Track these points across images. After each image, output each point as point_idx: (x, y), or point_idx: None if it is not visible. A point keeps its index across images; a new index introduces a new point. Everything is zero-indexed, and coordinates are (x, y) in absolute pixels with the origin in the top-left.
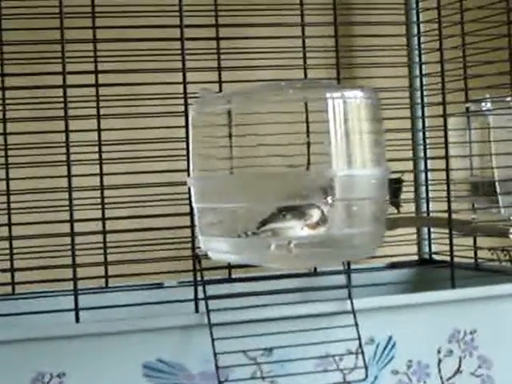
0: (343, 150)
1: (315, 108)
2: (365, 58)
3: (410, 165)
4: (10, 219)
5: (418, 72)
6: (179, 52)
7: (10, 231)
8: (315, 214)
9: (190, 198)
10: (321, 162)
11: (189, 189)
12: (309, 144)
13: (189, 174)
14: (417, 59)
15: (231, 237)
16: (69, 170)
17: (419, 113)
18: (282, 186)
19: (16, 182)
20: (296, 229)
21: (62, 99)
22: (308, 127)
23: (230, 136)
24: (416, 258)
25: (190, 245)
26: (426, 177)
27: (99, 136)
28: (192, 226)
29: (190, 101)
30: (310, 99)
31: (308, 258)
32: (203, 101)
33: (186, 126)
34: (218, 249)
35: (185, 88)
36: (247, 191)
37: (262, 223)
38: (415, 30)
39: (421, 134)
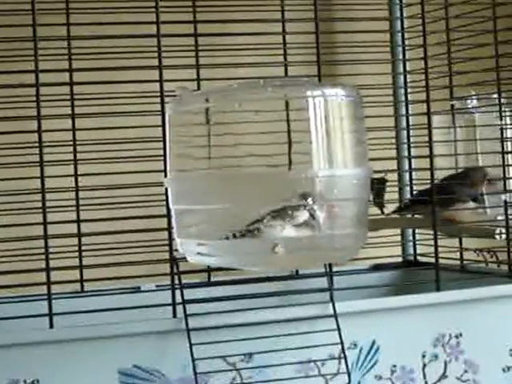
0: (324, 149)
1: (296, 106)
2: (347, 54)
3: (393, 164)
4: None
5: (401, 69)
6: (156, 49)
7: None
8: (302, 216)
9: (166, 200)
10: (301, 161)
11: (166, 190)
12: (289, 143)
13: (166, 175)
14: (400, 56)
15: (211, 239)
16: (42, 171)
17: (403, 111)
18: (263, 187)
19: None
20: (284, 230)
21: (34, 98)
22: (288, 126)
23: (209, 135)
24: (400, 259)
25: (167, 247)
26: (411, 176)
27: (74, 136)
28: (169, 228)
29: (166, 99)
30: (290, 97)
31: (290, 260)
32: (180, 99)
33: (163, 126)
34: (196, 251)
35: (161, 86)
36: (227, 192)
37: (249, 225)
38: (398, 26)
39: (405, 133)
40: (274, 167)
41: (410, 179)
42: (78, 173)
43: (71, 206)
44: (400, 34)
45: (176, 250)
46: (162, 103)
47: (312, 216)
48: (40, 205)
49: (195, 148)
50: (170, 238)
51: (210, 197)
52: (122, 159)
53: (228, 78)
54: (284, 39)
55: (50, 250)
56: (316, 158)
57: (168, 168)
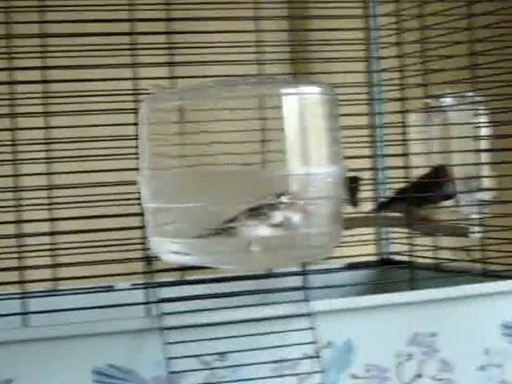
0: (299, 147)
1: (270, 104)
2: (321, 52)
3: (368, 163)
4: None
5: (376, 67)
6: (130, 47)
7: None
8: (278, 215)
9: (140, 198)
10: (277, 159)
11: (140, 188)
12: (264, 142)
13: (139, 173)
14: (375, 54)
15: (186, 237)
16: (15, 169)
17: (378, 109)
18: (238, 185)
19: None
20: (259, 229)
21: (7, 96)
22: (263, 124)
23: (183, 133)
24: (374, 258)
25: (141, 246)
26: (385, 175)
27: (47, 134)
28: (143, 227)
29: (140, 97)
30: (265, 95)
31: (265, 259)
32: (154, 97)
33: (137, 124)
34: (170, 250)
35: (135, 84)
36: (201, 190)
37: (224, 223)
38: (374, 24)
39: (379, 131)
40: (248, 165)
41: (385, 178)
42: (52, 171)
43: (45, 204)
44: (374, 32)
45: (150, 249)
46: (136, 101)
47: (287, 215)
48: (13, 203)
49: (169, 146)
50: (144, 237)
51: (184, 195)
52: (96, 157)
53: (202, 76)
54: (258, 37)
55: (24, 248)
56: (291, 156)
57: (142, 166)
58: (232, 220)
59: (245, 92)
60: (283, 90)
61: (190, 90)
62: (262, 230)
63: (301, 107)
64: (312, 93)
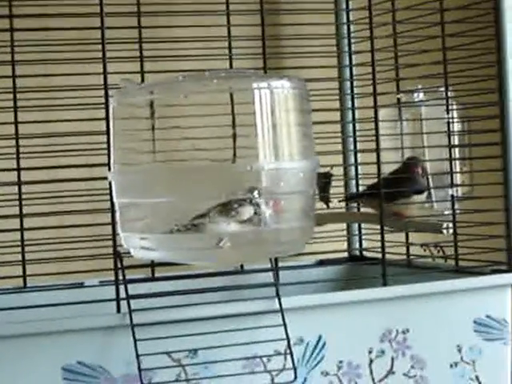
0: (270, 142)
1: (241, 99)
2: (292, 47)
3: (339, 158)
4: None
5: (347, 62)
6: (99, 41)
7: None
8: (248, 211)
9: (110, 194)
10: (248, 154)
11: (110, 184)
12: (234, 136)
13: (110, 169)
14: (346, 48)
15: (156, 233)
16: None
17: (349, 104)
18: (208, 180)
19: None
20: (228, 225)
21: None
22: (233, 119)
23: (153, 128)
24: (346, 254)
25: (111, 242)
26: (356, 171)
27: (16, 129)
28: (113, 223)
29: (110, 92)
30: (235, 90)
31: (235, 255)
32: (124, 92)
33: (107, 119)
34: (140, 246)
35: (105, 78)
36: (172, 186)
37: (194, 219)
38: (344, 18)
39: (351, 126)
40: (219, 160)
41: (356, 173)
42: (21, 166)
43: (14, 200)
44: (346, 27)
45: (120, 245)
46: (106, 96)
47: (257, 210)
48: None
49: (139, 141)
50: (114, 233)
51: (155, 190)
52: (66, 153)
53: (172, 70)
54: (229, 31)
55: None
56: (262, 150)
57: (112, 161)
58: (202, 216)
59: (215, 86)
60: (254, 84)
61: (159, 84)
62: (232, 226)
63: (272, 101)
64: (283, 87)
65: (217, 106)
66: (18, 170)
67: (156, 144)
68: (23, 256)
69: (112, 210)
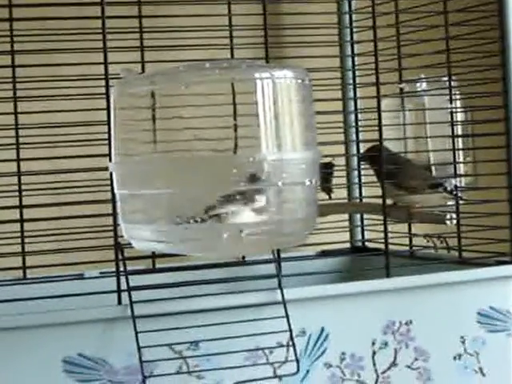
0: (272, 132)
1: (243, 89)
2: (294, 36)
3: (341, 148)
4: None
5: (349, 51)
6: (100, 31)
7: None
8: (262, 199)
9: (111, 184)
10: (249, 145)
11: (110, 174)
12: (236, 127)
13: (110, 159)
14: (348, 38)
15: (158, 224)
16: None
17: (351, 94)
18: (210, 171)
19: None
20: (244, 215)
21: None
22: (235, 109)
23: (154, 119)
24: (348, 245)
25: (112, 233)
26: (359, 161)
27: (16, 119)
28: (114, 214)
29: (111, 82)
30: (237, 80)
31: (237, 246)
32: (125, 82)
33: (108, 109)
34: (141, 237)
35: (106, 68)
36: (173, 177)
37: (209, 209)
38: (346, 7)
39: (353, 117)
40: (221, 151)
41: (358, 164)
42: (21, 157)
43: (14, 191)
44: (348, 16)
45: (121, 236)
46: (107, 86)
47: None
48: None
49: (140, 131)
50: (115, 224)
51: (156, 181)
52: (67, 143)
53: (173, 60)
54: (230, 21)
55: None
56: (264, 141)
57: (113, 152)
58: (214, 207)
59: (217, 76)
60: (256, 74)
61: (160, 74)
62: (251, 216)
63: (274, 92)
64: (286, 77)
65: (218, 96)
66: (18, 160)
67: (157, 134)
68: (23, 247)
69: (113, 201)
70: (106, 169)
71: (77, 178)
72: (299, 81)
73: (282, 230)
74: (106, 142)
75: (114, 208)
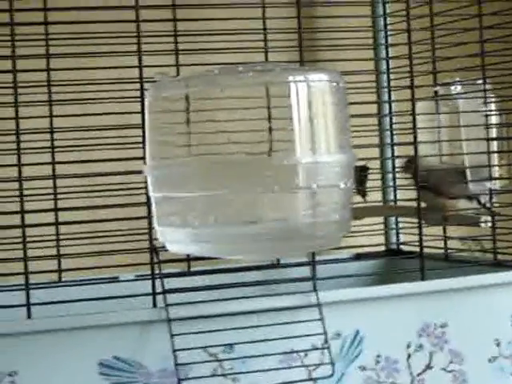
0: (307, 135)
1: (277, 92)
2: (328, 40)
3: (376, 151)
4: None
5: (384, 54)
6: (134, 34)
7: None
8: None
9: (146, 187)
10: (284, 148)
11: (145, 177)
12: (271, 130)
13: (145, 162)
14: (383, 41)
15: (193, 227)
16: (19, 159)
17: (386, 97)
18: (245, 174)
19: None
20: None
21: (11, 84)
22: (269, 112)
23: (188, 122)
24: (383, 248)
25: (146, 236)
26: (393, 164)
27: (51, 123)
28: (149, 217)
29: (146, 85)
30: (271, 83)
31: (272, 248)
32: (160, 85)
33: (142, 112)
34: (176, 240)
35: (141, 72)
36: (208, 180)
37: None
38: (381, 11)
39: (388, 120)
40: (255, 154)
41: (393, 167)
42: (56, 160)
43: (49, 194)
44: (383, 19)
45: (156, 239)
46: (142, 89)
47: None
48: (17, 193)
49: (175, 135)
50: (150, 227)
51: (191, 184)
52: (101, 146)
53: (208, 63)
54: (264, 24)
55: (28, 239)
56: (298, 144)
57: (147, 155)
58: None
59: (251, 79)
60: (291, 78)
61: (195, 77)
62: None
63: (309, 95)
64: (320, 80)
65: (253, 99)
66: (53, 163)
67: (191, 137)
68: (58, 250)
69: (148, 204)
70: (141, 172)
71: (111, 181)
72: (334, 84)
73: (316, 233)
74: (141, 145)
75: (149, 211)
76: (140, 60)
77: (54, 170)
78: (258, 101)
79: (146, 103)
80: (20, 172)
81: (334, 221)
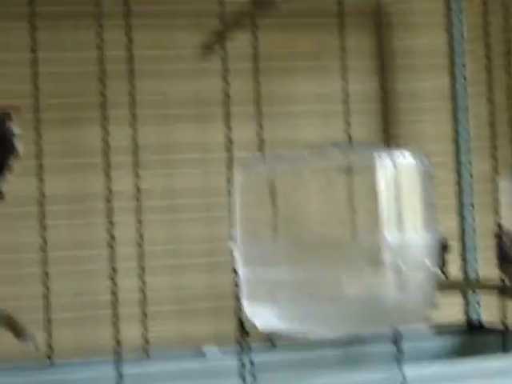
0: (394, 215)
1: (365, 174)
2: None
3: (456, 227)
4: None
5: (466, 136)
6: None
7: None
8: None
9: (234, 264)
10: (371, 227)
11: (233, 254)
12: (357, 211)
13: (233, 240)
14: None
15: (281, 304)
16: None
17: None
18: (333, 253)
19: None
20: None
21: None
22: (356, 193)
23: (276, 201)
24: (464, 322)
25: (233, 311)
26: (474, 240)
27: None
28: (237, 293)
29: (236, 166)
30: (359, 164)
31: (358, 325)
32: (249, 167)
33: (231, 191)
34: (264, 316)
35: (230, 152)
36: (296, 259)
37: None
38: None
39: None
40: (343, 235)
41: (474, 242)
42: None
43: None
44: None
45: (243, 313)
46: (230, 168)
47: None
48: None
49: (263, 214)
50: (238, 302)
51: (279, 264)
52: (189, 223)
53: (291, 139)
54: (347, 106)
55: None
56: (386, 224)
57: (237, 233)
58: None
59: (339, 161)
60: (378, 160)
61: (282, 159)
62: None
63: (396, 177)
64: (407, 162)
65: (340, 180)
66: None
67: (279, 217)
68: (145, 324)
69: (236, 280)
70: (229, 249)
71: (198, 260)
72: (420, 165)
73: (402, 310)
74: (228, 222)
75: (237, 287)
76: (229, 140)
77: (140, 235)
78: (346, 182)
79: (236, 183)
80: (113, 248)
81: (419, 297)
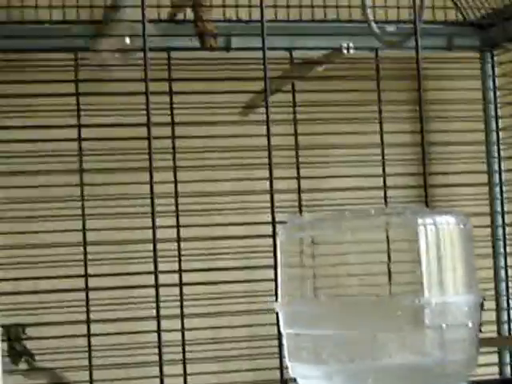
0: (435, 276)
1: (406, 234)
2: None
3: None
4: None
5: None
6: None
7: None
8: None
9: (278, 324)
10: (413, 289)
11: (277, 314)
12: (398, 270)
13: (277, 299)
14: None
15: (323, 363)
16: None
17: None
18: (375, 314)
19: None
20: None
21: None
22: (398, 254)
23: (316, 263)
24: (497, 378)
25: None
26: (508, 299)
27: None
28: (280, 353)
29: (278, 226)
30: (400, 226)
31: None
32: (290, 226)
33: (275, 251)
34: (309, 376)
35: (273, 213)
36: (339, 318)
37: None
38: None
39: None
40: (385, 294)
41: (507, 298)
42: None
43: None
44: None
45: (287, 373)
46: (273, 229)
47: None
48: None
49: (304, 273)
50: (281, 361)
51: (322, 322)
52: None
53: (328, 188)
54: (383, 151)
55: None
56: (427, 285)
57: (279, 292)
58: None
59: (380, 223)
60: (420, 221)
61: (324, 219)
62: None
63: (437, 237)
64: (448, 223)
65: (381, 239)
66: (180, 272)
67: (318, 276)
68: (185, 370)
69: (279, 340)
70: (271, 307)
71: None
72: (461, 226)
73: (444, 371)
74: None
75: (280, 347)
76: (272, 198)
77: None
78: (387, 243)
79: (279, 243)
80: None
81: (461, 359)
